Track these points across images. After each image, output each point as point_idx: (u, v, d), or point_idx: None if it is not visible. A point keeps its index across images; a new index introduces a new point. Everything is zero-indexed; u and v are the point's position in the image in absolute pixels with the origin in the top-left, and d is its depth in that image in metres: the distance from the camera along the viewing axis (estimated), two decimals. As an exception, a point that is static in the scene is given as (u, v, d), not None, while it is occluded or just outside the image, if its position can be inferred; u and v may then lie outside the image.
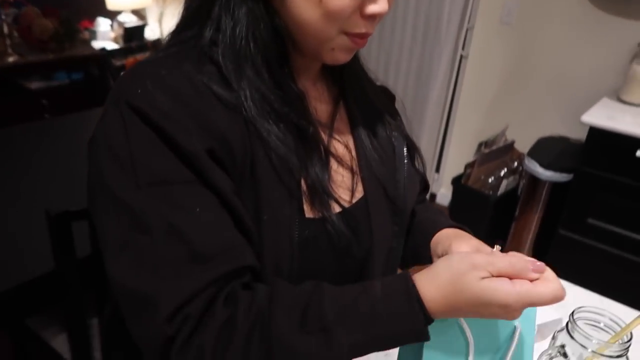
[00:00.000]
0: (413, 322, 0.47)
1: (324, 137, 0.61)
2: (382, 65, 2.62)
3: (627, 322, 0.59)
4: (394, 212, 0.66)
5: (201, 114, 0.49)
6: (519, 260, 0.47)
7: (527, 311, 0.55)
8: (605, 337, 0.61)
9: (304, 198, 0.56)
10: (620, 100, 1.90)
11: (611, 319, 0.62)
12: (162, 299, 0.45)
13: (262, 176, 0.53)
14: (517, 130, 2.39)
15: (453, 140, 2.63)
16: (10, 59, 2.52)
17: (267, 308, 0.46)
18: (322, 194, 0.56)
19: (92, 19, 3.04)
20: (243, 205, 0.52)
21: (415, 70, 2.53)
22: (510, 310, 0.46)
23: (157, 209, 0.46)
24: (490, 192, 2.33)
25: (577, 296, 0.86)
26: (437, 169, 2.72)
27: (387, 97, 0.75)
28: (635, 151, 1.65)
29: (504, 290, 0.45)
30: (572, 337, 0.60)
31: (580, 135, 2.07)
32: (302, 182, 0.56)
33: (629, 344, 0.58)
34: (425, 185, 0.79)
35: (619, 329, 0.60)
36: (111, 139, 0.49)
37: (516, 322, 0.55)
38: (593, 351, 0.58)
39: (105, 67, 2.50)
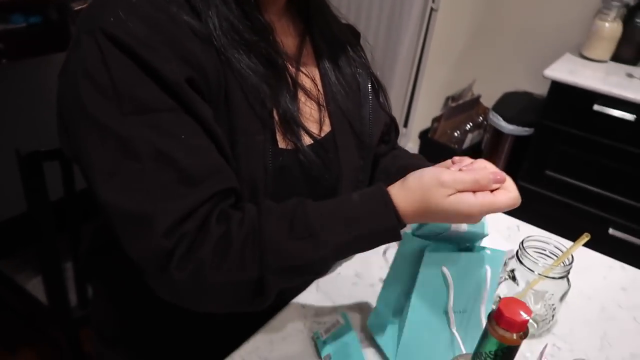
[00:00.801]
0: (388, 220, 0.52)
1: (292, 69, 0.63)
2: (352, 20, 2.60)
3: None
4: (360, 147, 0.69)
5: (177, 42, 0.50)
6: (483, 176, 0.51)
7: (495, 254, 0.62)
8: (550, 262, 0.68)
9: (276, 128, 0.58)
10: (582, 56, 1.96)
11: (555, 246, 0.68)
12: (158, 216, 0.47)
13: (235, 106, 0.55)
14: (483, 84, 2.44)
15: (421, 95, 2.67)
16: (-39, 0, 2.37)
17: (258, 221, 0.51)
18: (292, 124, 0.59)
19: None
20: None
21: (385, 24, 2.52)
22: (474, 218, 0.52)
23: (144, 135, 0.48)
24: (456, 146, 2.40)
25: (529, 232, 0.93)
26: (405, 124, 2.77)
27: (352, 34, 0.76)
28: (593, 105, 1.73)
29: (469, 203, 0.51)
30: (521, 262, 0.66)
31: (543, 90, 2.13)
32: (275, 112, 0.58)
33: (570, 266, 0.65)
34: (395, 126, 0.81)
35: (561, 254, 0.66)
36: (90, 68, 0.49)
37: (487, 265, 0.61)
38: (539, 274, 0.65)
39: (64, 11, 2.39)
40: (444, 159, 0.61)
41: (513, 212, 1.09)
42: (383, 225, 0.52)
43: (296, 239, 0.50)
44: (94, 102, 0.49)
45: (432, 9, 2.45)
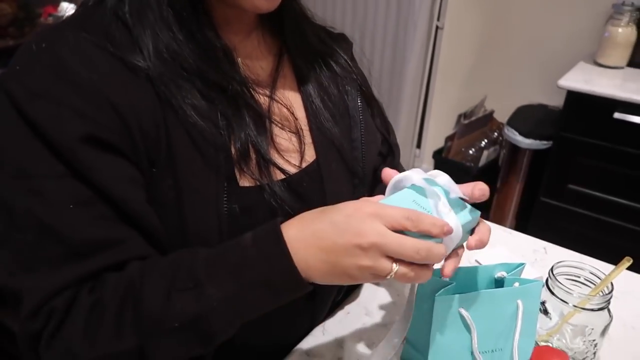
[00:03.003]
0: (279, 263, 0.42)
1: (262, 96, 0.56)
2: (357, 42, 2.57)
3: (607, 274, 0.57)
4: (352, 176, 0.62)
5: (89, 90, 0.44)
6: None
7: (527, 286, 0.54)
8: (586, 291, 0.60)
9: (235, 166, 0.51)
10: (597, 64, 1.88)
11: (591, 272, 0.60)
12: (27, 295, 0.44)
13: (178, 148, 0.48)
14: (495, 100, 2.37)
15: (432, 114, 2.61)
16: (-31, 48, 2.41)
17: (139, 280, 0.44)
18: (259, 159, 0.52)
19: (55, 5, 2.93)
20: (160, 184, 0.48)
21: (391, 45, 2.49)
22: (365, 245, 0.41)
23: (26, 204, 0.44)
24: (472, 164, 2.32)
25: (558, 256, 0.84)
26: (418, 145, 2.70)
27: (341, 45, 0.69)
28: (613, 113, 1.64)
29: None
30: (552, 292, 0.58)
31: (558, 101, 2.06)
32: (232, 148, 0.51)
33: (610, 295, 0.56)
34: (389, 148, 0.72)
35: (599, 281, 0.58)
36: None
37: (519, 300, 0.54)
38: (574, 305, 0.56)
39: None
40: (460, 178, 0.52)
41: (537, 232, 1.00)
42: (275, 270, 0.43)
43: (177, 291, 0.43)
44: None
45: (437, 27, 2.41)
